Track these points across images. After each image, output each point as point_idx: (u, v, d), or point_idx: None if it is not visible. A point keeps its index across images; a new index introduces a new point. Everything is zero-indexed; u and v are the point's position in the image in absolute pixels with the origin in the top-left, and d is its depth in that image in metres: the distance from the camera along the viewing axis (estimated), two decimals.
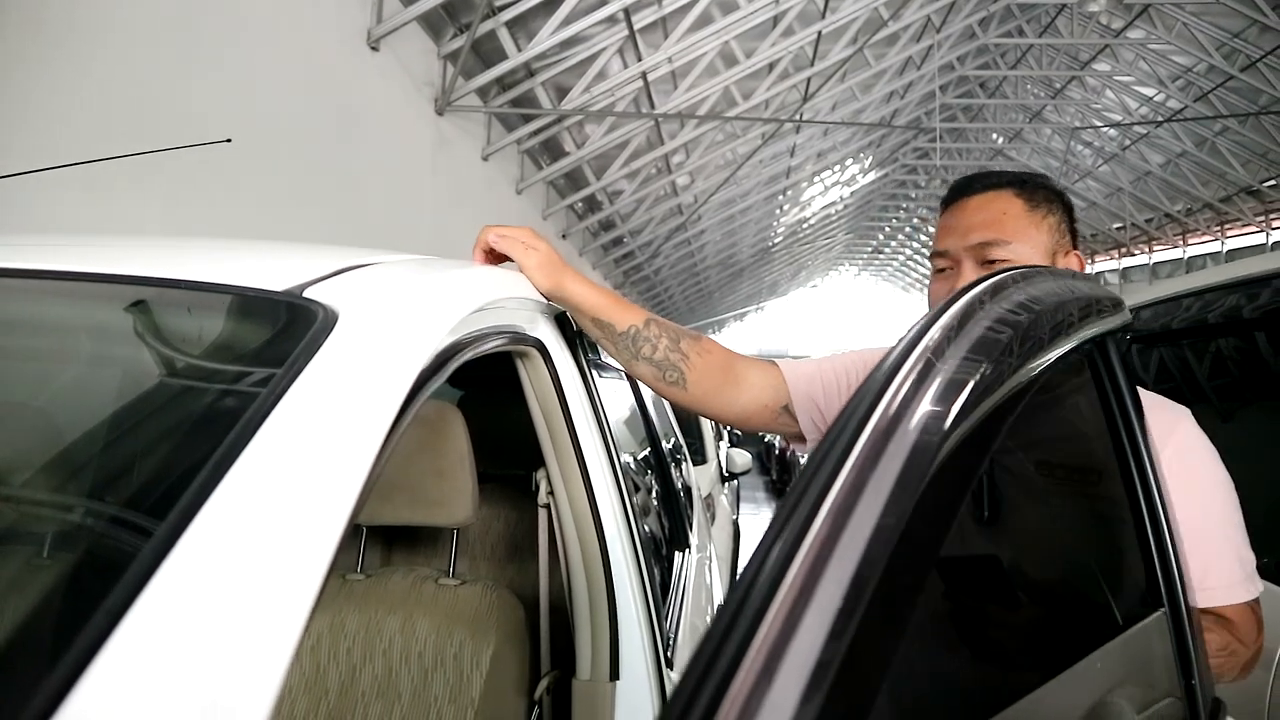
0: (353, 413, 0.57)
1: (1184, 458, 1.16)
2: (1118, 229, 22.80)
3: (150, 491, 0.54)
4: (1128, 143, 18.46)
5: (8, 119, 3.30)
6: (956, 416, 0.49)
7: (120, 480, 0.59)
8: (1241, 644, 1.10)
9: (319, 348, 0.61)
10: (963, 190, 1.31)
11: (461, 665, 1.47)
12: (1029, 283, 0.70)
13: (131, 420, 0.64)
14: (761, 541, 0.41)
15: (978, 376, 0.52)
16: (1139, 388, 1.25)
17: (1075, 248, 1.30)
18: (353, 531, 1.68)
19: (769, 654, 0.34)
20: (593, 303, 1.33)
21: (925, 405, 0.48)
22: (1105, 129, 17.86)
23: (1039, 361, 0.62)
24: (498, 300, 1.06)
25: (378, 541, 2.01)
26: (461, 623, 1.51)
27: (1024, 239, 1.23)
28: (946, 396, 0.49)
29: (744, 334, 46.14)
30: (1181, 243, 21.83)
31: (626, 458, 2.46)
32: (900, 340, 0.55)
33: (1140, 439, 0.92)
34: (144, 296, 0.75)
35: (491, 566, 2.08)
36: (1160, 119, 15.98)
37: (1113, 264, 24.91)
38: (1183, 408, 1.22)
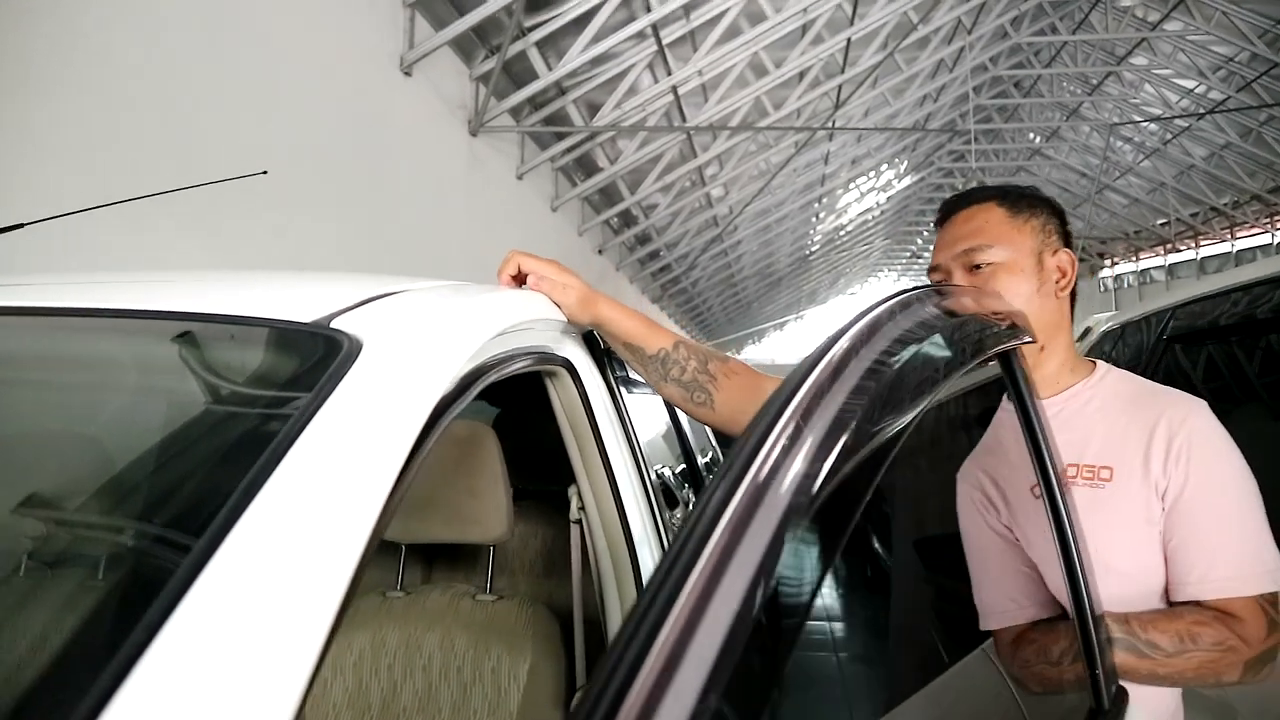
0: (374, 437, 0.60)
1: (1201, 449, 1.18)
2: (1162, 225, 22.40)
3: (185, 514, 0.58)
4: (1169, 136, 18.15)
5: (49, 159, 3.42)
6: (862, 423, 0.52)
7: (157, 503, 0.63)
8: (1244, 641, 1.09)
9: (343, 376, 0.64)
10: (951, 208, 1.42)
11: (499, 679, 1.50)
12: (940, 299, 0.74)
13: (168, 448, 0.68)
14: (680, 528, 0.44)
15: (881, 388, 0.56)
16: (1148, 380, 1.28)
17: (1068, 247, 1.38)
18: (392, 550, 1.72)
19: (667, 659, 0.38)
20: (625, 328, 1.38)
21: (828, 414, 0.52)
22: (1145, 124, 17.58)
23: (943, 379, 0.66)
24: (524, 322, 1.09)
25: (418, 560, 2.05)
26: (498, 637, 1.54)
27: (1006, 242, 1.32)
28: (850, 406, 0.53)
29: (784, 344, 45.96)
30: (1230, 236, 21.39)
31: (664, 473, 2.48)
32: (806, 357, 0.59)
33: (1046, 451, 1.00)
34: (180, 331, 0.79)
35: (530, 582, 2.10)
36: (1202, 111, 15.68)
37: (1159, 260, 24.48)
38: (1199, 399, 1.24)
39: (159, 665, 0.43)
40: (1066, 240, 1.39)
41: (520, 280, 1.33)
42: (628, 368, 1.59)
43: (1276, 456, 1.26)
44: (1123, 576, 1.17)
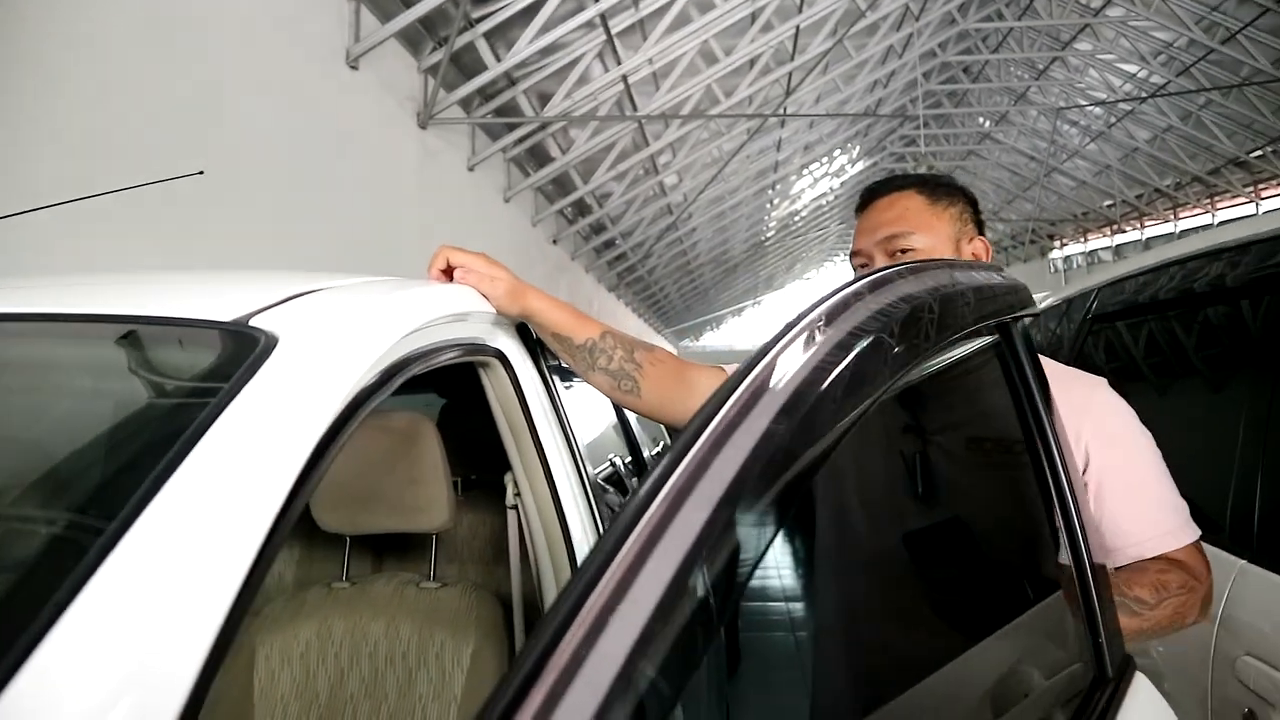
0: (284, 427, 0.64)
1: (1106, 423, 1.27)
2: (1109, 206, 22.85)
3: (97, 502, 0.61)
4: (1114, 120, 18.50)
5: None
6: (832, 386, 0.54)
7: (70, 493, 0.66)
8: (1197, 580, 1.20)
9: (257, 370, 0.67)
10: (872, 194, 1.47)
11: (444, 664, 1.54)
12: (930, 273, 0.76)
13: (84, 441, 0.71)
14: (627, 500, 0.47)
15: (859, 351, 0.58)
16: (1056, 362, 1.33)
17: (981, 234, 1.44)
18: (339, 542, 1.75)
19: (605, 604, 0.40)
20: (553, 319, 1.41)
21: (797, 375, 0.54)
22: (1090, 108, 17.90)
23: (934, 340, 0.68)
24: (448, 315, 1.12)
25: (368, 551, 2.07)
26: (442, 624, 1.57)
27: (926, 230, 1.38)
28: (822, 369, 0.55)
29: (743, 330, 46.17)
30: (1173, 217, 21.87)
31: (612, 461, 2.52)
32: (779, 328, 0.61)
33: (1046, 420, 0.99)
34: (103, 332, 0.82)
35: (479, 569, 2.14)
36: (1144, 95, 16.01)
37: (1106, 241, 24.97)
38: (1099, 378, 1.33)
39: (60, 648, 0.47)
40: (980, 228, 1.45)
41: (450, 274, 1.36)
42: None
43: (1182, 423, 1.34)
44: None
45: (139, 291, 1.03)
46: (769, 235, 24.91)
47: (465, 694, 1.51)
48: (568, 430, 1.52)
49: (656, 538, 0.44)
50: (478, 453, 2.15)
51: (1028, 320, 1.00)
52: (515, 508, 1.49)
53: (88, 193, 1.73)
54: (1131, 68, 16.39)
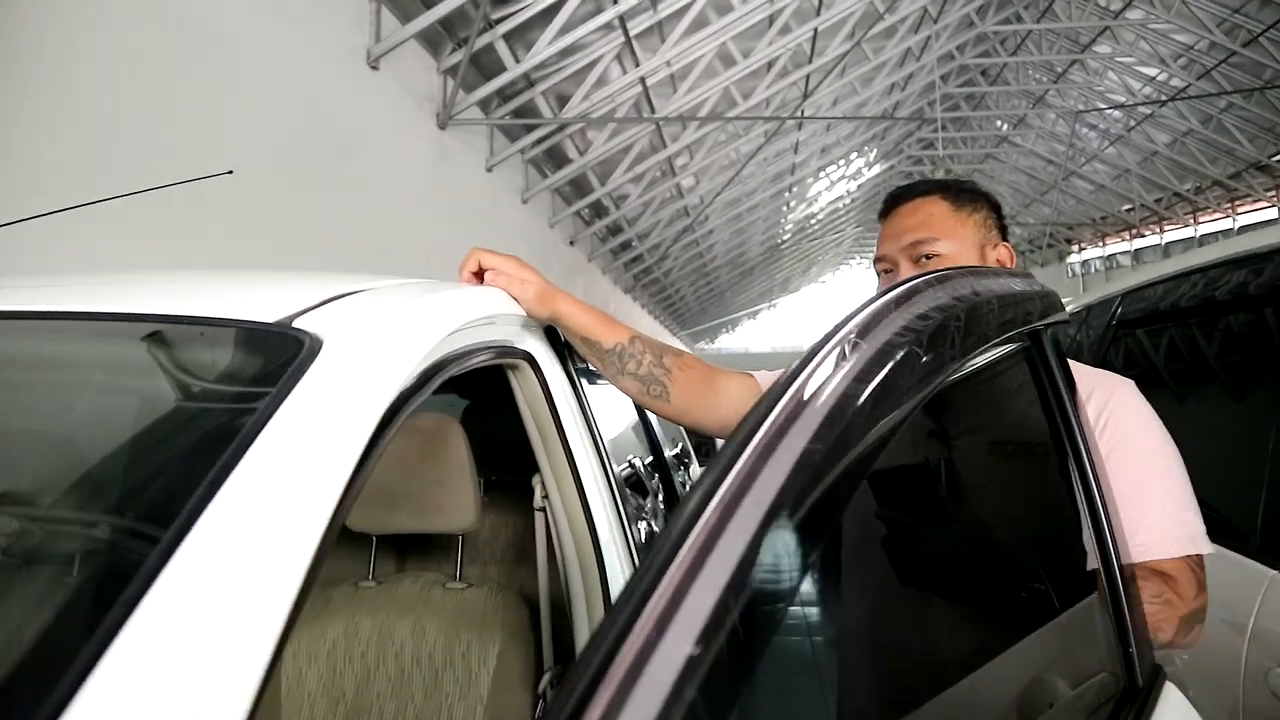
0: (333, 431, 0.64)
1: (1123, 422, 1.25)
2: (1127, 210, 22.69)
3: (153, 509, 0.61)
4: (1133, 124, 18.39)
5: (11, 162, 3.40)
6: (874, 395, 0.54)
7: (125, 499, 0.67)
8: (1178, 597, 1.13)
9: (304, 374, 0.68)
10: (896, 200, 1.46)
11: (470, 664, 1.54)
12: (958, 281, 0.76)
13: (136, 445, 0.72)
14: (674, 513, 0.47)
15: (898, 360, 0.58)
16: (1081, 364, 1.33)
17: (1005, 240, 1.43)
18: (364, 541, 1.76)
19: (663, 612, 0.41)
20: (581, 323, 1.41)
21: (839, 384, 0.54)
22: (1109, 111, 17.79)
23: (969, 347, 0.67)
24: (482, 318, 1.13)
25: (391, 551, 2.08)
26: (468, 624, 1.58)
27: (951, 236, 1.37)
28: (863, 377, 0.55)
29: (758, 331, 46.14)
30: (1193, 221, 21.71)
31: (632, 462, 2.53)
32: (816, 340, 0.61)
33: (1076, 425, 0.98)
34: (146, 331, 0.82)
35: (502, 570, 2.14)
36: (1164, 98, 15.91)
37: (1124, 246, 24.80)
38: (1125, 379, 1.31)
39: (126, 656, 0.47)
40: (1004, 234, 1.44)
41: (481, 276, 1.36)
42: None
43: (1211, 431, 1.32)
44: None
45: (177, 291, 1.04)
46: (785, 238, 24.88)
47: (491, 695, 1.51)
48: (595, 433, 1.52)
49: (710, 546, 0.44)
50: (499, 454, 2.16)
51: (1057, 326, 1.00)
52: (543, 510, 1.50)
53: (99, 193, 1.75)
54: (1151, 71, 16.28)
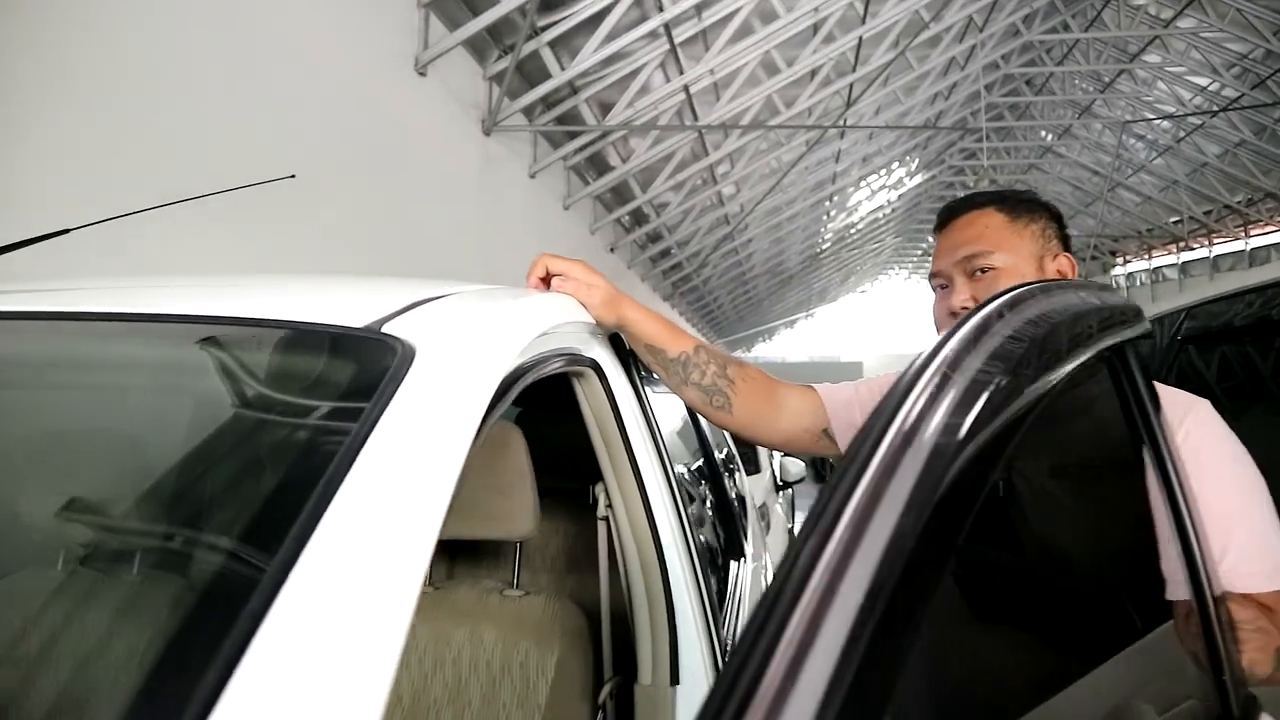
0: (435, 440, 0.63)
1: (1203, 444, 1.18)
2: (1175, 222, 22.29)
3: (268, 521, 0.61)
4: (1182, 134, 18.06)
5: (94, 170, 3.47)
6: (972, 426, 0.53)
7: (240, 511, 0.66)
8: (1275, 628, 1.08)
9: (401, 381, 0.67)
10: (950, 213, 1.43)
11: (528, 672, 1.53)
12: (1047, 297, 0.74)
13: (246, 453, 0.71)
14: (788, 551, 0.46)
15: (993, 387, 0.56)
16: (1155, 383, 1.28)
17: (1067, 251, 1.39)
18: None
19: (793, 658, 0.39)
20: (648, 330, 1.41)
21: (940, 417, 0.52)
22: (1158, 121, 17.50)
23: (1057, 371, 0.66)
24: (558, 324, 1.12)
25: (442, 555, 2.09)
26: (526, 632, 1.57)
27: (1007, 248, 1.34)
28: (962, 408, 0.54)
29: (794, 341, 45.93)
30: (1244, 234, 21.27)
31: (680, 469, 2.51)
32: (917, 356, 0.60)
33: (1162, 443, 0.95)
34: (236, 336, 0.82)
35: (552, 578, 2.14)
36: (1216, 108, 15.60)
37: (1171, 258, 24.36)
38: (1201, 399, 1.25)
39: (258, 667, 0.46)
40: (1065, 244, 1.41)
41: (548, 282, 1.36)
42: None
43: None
44: None
45: (257, 295, 1.04)
46: (824, 247, 24.73)
47: (550, 704, 1.50)
48: (659, 443, 1.51)
49: (842, 569, 0.43)
50: (550, 461, 2.16)
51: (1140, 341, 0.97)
52: (606, 519, 1.49)
53: (165, 198, 1.77)
54: (1202, 80, 15.99)
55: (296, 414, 0.75)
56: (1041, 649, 1.05)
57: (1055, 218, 1.41)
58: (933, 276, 1.44)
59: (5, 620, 0.72)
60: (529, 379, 0.95)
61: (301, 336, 0.80)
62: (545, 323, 1.02)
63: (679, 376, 1.43)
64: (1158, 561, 0.98)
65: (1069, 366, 0.68)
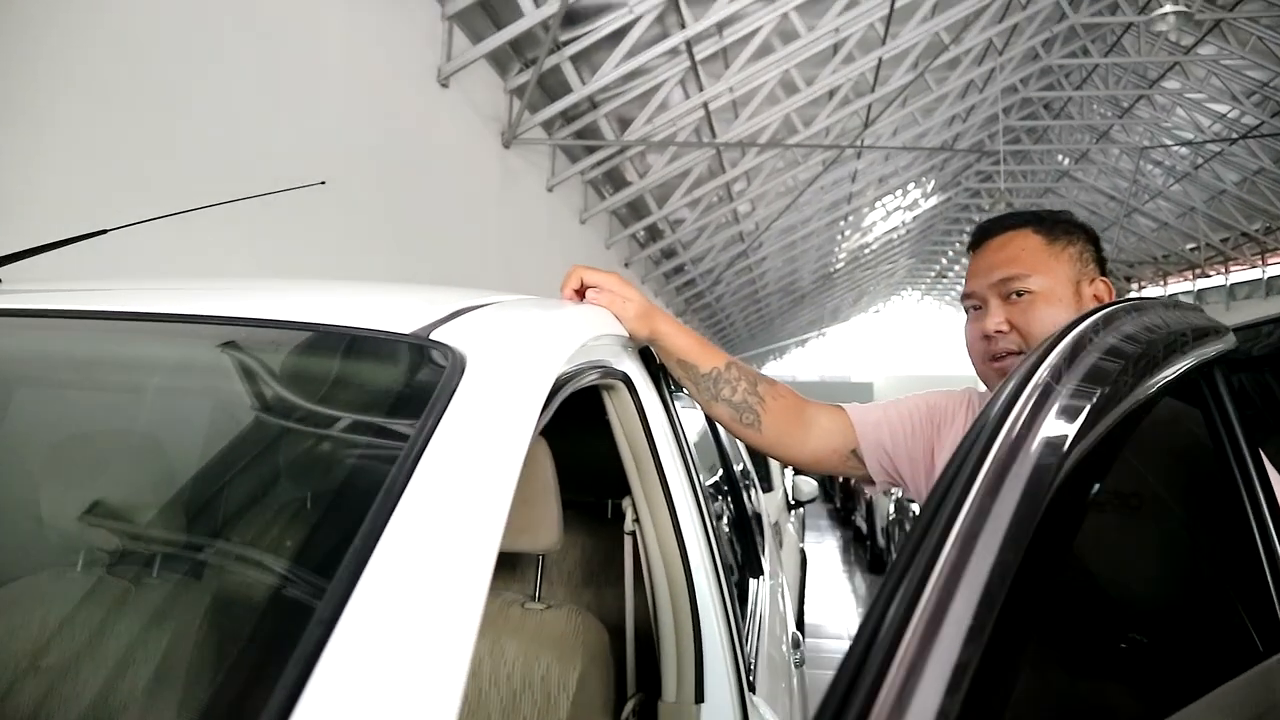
0: (492, 449, 0.63)
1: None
2: (1191, 249, 22.20)
3: (330, 532, 0.60)
4: (1200, 161, 18.00)
5: (115, 175, 3.50)
6: (1072, 443, 0.52)
7: (302, 521, 0.66)
8: None
9: (455, 390, 0.67)
10: (985, 234, 1.40)
11: (549, 687, 1.52)
12: (1140, 314, 0.74)
13: (300, 464, 0.71)
14: (895, 561, 0.45)
15: (1091, 406, 0.56)
16: None
17: (1103, 274, 1.36)
18: None
19: (908, 671, 0.39)
20: (680, 344, 1.41)
21: (1043, 434, 0.52)
22: (1176, 148, 17.44)
23: (1148, 390, 0.65)
24: (595, 336, 1.12)
25: None
26: (548, 646, 1.56)
27: (1043, 271, 1.30)
28: (1062, 426, 0.53)
29: (805, 360, 45.84)
30: (1261, 262, 21.16)
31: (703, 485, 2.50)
32: (1012, 374, 0.60)
33: (1256, 461, 0.93)
34: (283, 339, 0.82)
35: (569, 592, 2.12)
36: (1235, 136, 15.55)
37: (1186, 285, 24.25)
38: None
39: (331, 681, 0.46)
40: (1102, 267, 1.37)
41: (581, 294, 1.35)
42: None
43: None
44: None
45: (295, 297, 1.03)
46: (838, 267, 24.72)
47: (570, 719, 1.49)
48: (688, 458, 1.50)
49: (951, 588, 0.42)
50: (567, 475, 2.15)
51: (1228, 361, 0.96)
52: (633, 533, 1.48)
53: (195, 203, 1.78)
54: (1222, 107, 15.93)
55: (350, 422, 0.74)
56: (1139, 678, 1.02)
57: (1092, 239, 1.38)
58: (965, 298, 1.40)
59: (67, 622, 0.71)
60: (568, 390, 0.94)
61: (352, 342, 0.79)
62: (585, 334, 1.01)
63: (710, 392, 1.42)
64: (1264, 586, 0.96)
65: (1162, 383, 0.67)
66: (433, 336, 0.78)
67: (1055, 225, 1.35)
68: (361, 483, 0.58)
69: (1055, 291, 1.29)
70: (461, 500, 0.57)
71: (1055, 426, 0.53)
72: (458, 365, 0.71)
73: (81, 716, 0.65)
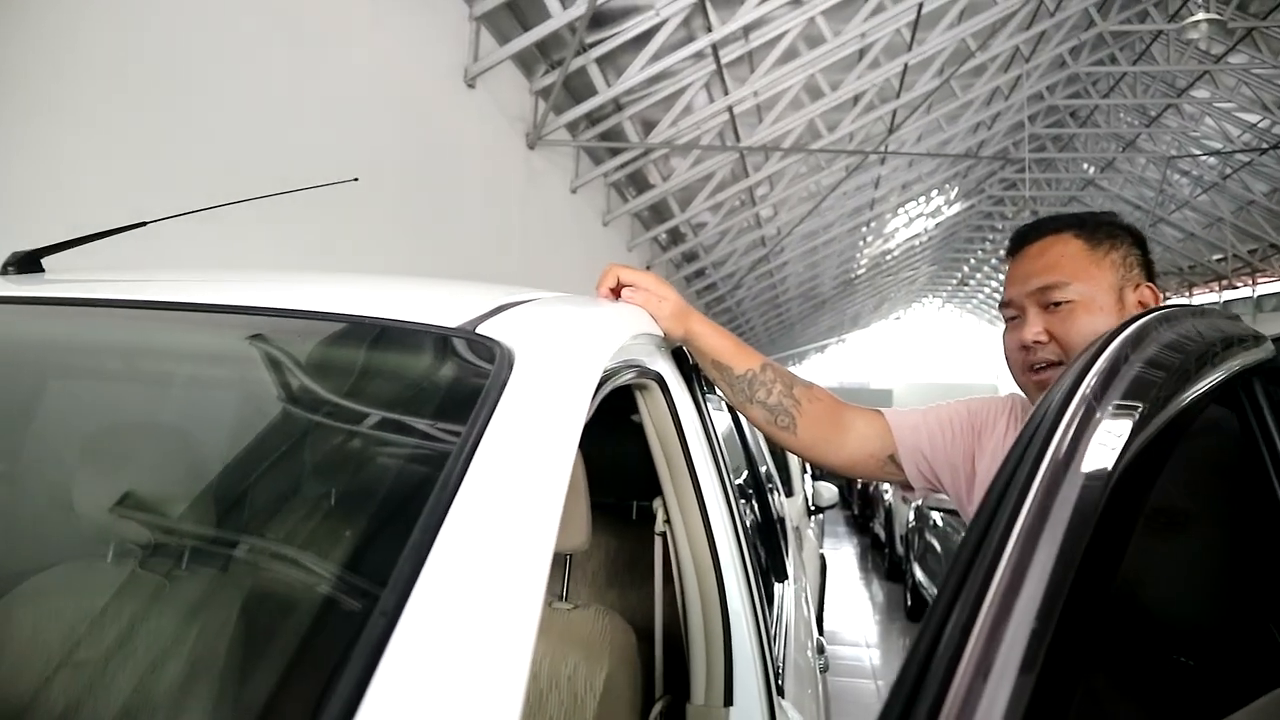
0: (545, 444, 0.62)
1: None
2: (1218, 260, 21.95)
3: (386, 529, 0.60)
4: (1229, 171, 17.78)
5: (156, 169, 3.54)
6: (1119, 458, 0.52)
7: (356, 517, 0.66)
8: None
9: (505, 384, 0.67)
10: (1023, 239, 1.35)
11: (575, 687, 1.51)
12: (1171, 325, 0.73)
13: (351, 459, 0.71)
14: (950, 569, 0.45)
15: (1135, 420, 0.55)
16: None
17: (1151, 280, 1.32)
18: None
19: (974, 672, 0.38)
20: (715, 345, 1.40)
21: (1091, 447, 0.51)
22: (1204, 158, 17.24)
23: (1188, 402, 0.64)
24: (632, 335, 1.12)
25: None
26: (575, 646, 1.55)
27: (1084, 278, 1.26)
28: (1109, 440, 0.52)
29: (825, 366, 45.68)
30: None
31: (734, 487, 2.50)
32: (1054, 388, 0.59)
33: None
34: (335, 331, 0.82)
35: (593, 592, 2.12)
36: (1266, 146, 15.35)
37: (1212, 296, 23.99)
38: None
39: (395, 677, 0.46)
40: (1149, 272, 1.33)
41: (617, 293, 1.35)
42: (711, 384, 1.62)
43: None
44: None
45: (335, 290, 1.03)
46: (859, 273, 24.62)
47: (597, 719, 1.48)
48: (720, 460, 1.49)
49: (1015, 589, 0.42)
50: (591, 476, 2.15)
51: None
52: (664, 534, 1.47)
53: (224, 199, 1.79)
54: (1252, 117, 15.74)
55: (401, 415, 0.74)
56: (1184, 699, 1.00)
57: (1139, 243, 1.33)
58: (1003, 306, 1.35)
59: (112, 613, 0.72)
60: (608, 388, 0.94)
61: (400, 335, 0.79)
62: (624, 333, 1.01)
63: (744, 394, 1.41)
64: None
65: (1201, 394, 0.66)
66: (479, 331, 0.78)
67: (1098, 229, 1.31)
68: (415, 477, 0.57)
69: (1097, 300, 1.25)
70: (517, 496, 0.57)
71: (1102, 441, 0.52)
72: (506, 359, 0.71)
73: (112, 709, 0.65)
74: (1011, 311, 1.33)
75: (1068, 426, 0.52)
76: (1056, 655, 0.41)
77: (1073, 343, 1.23)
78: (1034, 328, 1.27)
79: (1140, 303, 1.27)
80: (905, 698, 0.40)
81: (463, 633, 0.48)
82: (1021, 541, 0.44)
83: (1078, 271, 1.26)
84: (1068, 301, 1.25)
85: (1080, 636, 0.46)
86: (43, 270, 1.17)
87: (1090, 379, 0.57)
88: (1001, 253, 29.35)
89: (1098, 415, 0.54)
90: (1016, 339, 1.30)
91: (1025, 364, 1.29)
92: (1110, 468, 0.51)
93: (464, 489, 0.55)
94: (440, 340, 0.77)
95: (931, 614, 0.44)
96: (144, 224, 1.32)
